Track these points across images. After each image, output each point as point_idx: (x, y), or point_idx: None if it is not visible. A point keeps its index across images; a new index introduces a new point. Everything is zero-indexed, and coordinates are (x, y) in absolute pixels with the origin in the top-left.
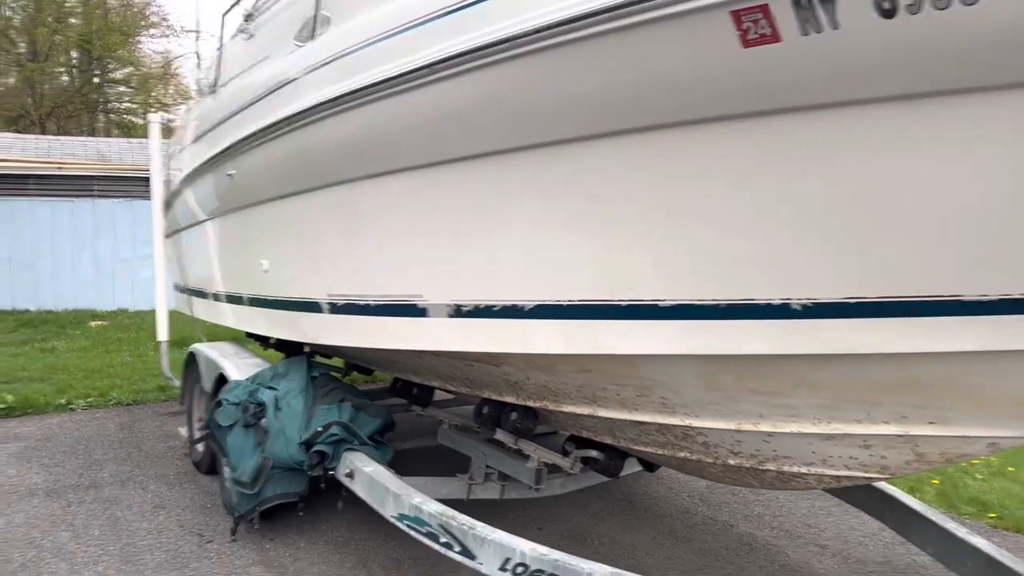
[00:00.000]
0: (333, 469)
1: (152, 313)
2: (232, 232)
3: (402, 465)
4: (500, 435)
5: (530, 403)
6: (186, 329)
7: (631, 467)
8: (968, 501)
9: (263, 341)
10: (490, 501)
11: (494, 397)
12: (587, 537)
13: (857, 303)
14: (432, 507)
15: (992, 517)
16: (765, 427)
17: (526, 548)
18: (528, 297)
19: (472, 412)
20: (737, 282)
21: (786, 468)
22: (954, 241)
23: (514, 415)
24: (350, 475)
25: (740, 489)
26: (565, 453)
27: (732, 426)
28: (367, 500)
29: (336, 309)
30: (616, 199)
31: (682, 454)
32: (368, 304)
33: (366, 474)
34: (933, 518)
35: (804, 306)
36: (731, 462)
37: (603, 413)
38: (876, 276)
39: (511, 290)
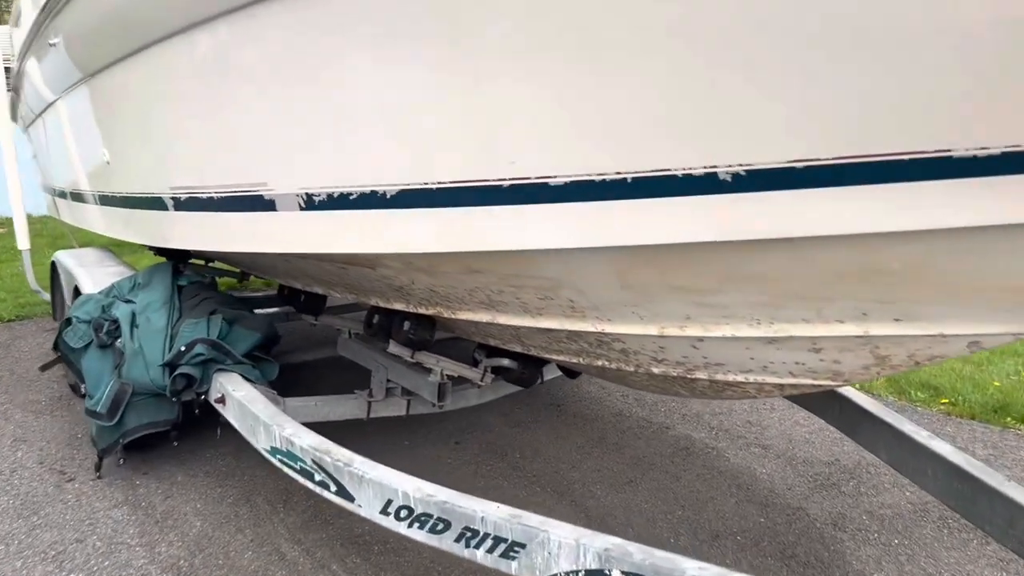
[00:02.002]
0: (205, 393)
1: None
2: (71, 117)
3: (303, 381)
4: (393, 348)
5: (422, 310)
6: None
7: (552, 371)
8: (919, 386)
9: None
10: (399, 416)
11: (382, 304)
12: (507, 450)
13: (807, 168)
14: (305, 440)
15: (944, 403)
16: (693, 331)
17: (409, 488)
18: (389, 180)
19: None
20: (647, 148)
21: (719, 376)
22: (944, 74)
23: (407, 324)
24: (221, 400)
25: None
26: (475, 363)
27: (654, 331)
28: (240, 430)
29: (179, 205)
30: (485, 37)
31: (599, 362)
32: (211, 197)
33: (236, 400)
34: (886, 419)
35: (736, 175)
36: (655, 370)
37: (504, 320)
38: (834, 129)
39: (369, 172)
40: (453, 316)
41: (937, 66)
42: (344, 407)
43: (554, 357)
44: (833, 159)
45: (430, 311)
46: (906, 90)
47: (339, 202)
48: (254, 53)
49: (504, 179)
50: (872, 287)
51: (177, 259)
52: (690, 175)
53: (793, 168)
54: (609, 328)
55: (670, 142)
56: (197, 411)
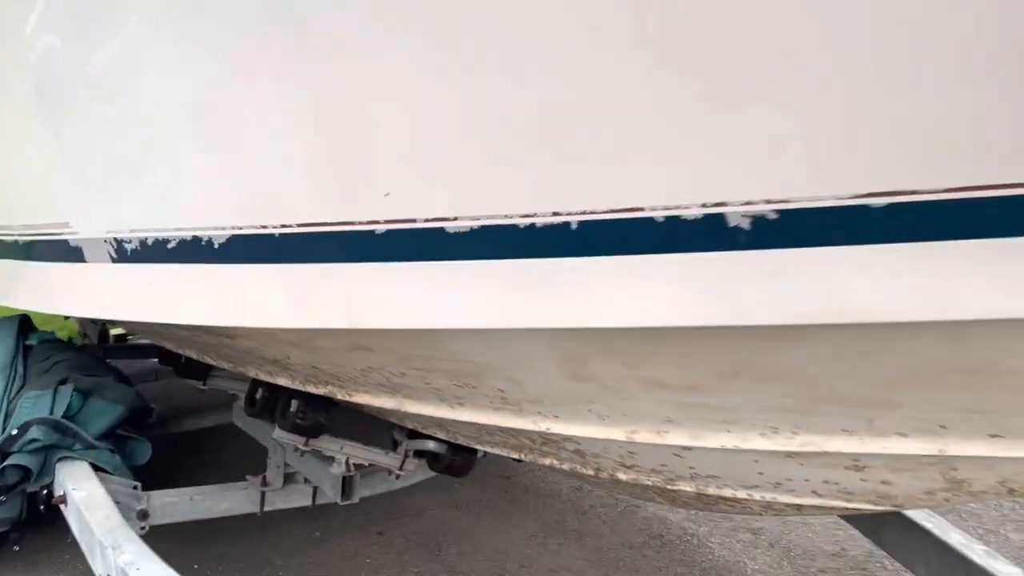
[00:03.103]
0: (49, 487)
1: None
2: None
3: (203, 449)
4: (280, 435)
5: (311, 389)
6: None
7: None
8: None
9: None
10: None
11: (264, 378)
12: (442, 542)
13: (891, 207)
14: (145, 572)
15: None
16: (676, 439)
17: None
18: (216, 222)
19: None
20: (607, 174)
21: (712, 491)
22: None
23: (295, 405)
24: (64, 500)
25: None
26: (394, 445)
27: (619, 436)
28: (80, 544)
29: None
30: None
31: (547, 460)
32: (16, 241)
33: (75, 502)
34: (924, 524)
35: (758, 220)
36: (622, 477)
37: (414, 409)
38: (949, 134)
39: (189, 210)
40: (349, 399)
41: None
42: (231, 500)
43: (488, 449)
44: (942, 192)
45: (321, 390)
46: None
47: (155, 251)
48: (33, 43)
49: (377, 222)
50: (965, 392)
51: None
52: (678, 218)
53: (865, 207)
54: (556, 428)
55: (645, 162)
56: (42, 508)
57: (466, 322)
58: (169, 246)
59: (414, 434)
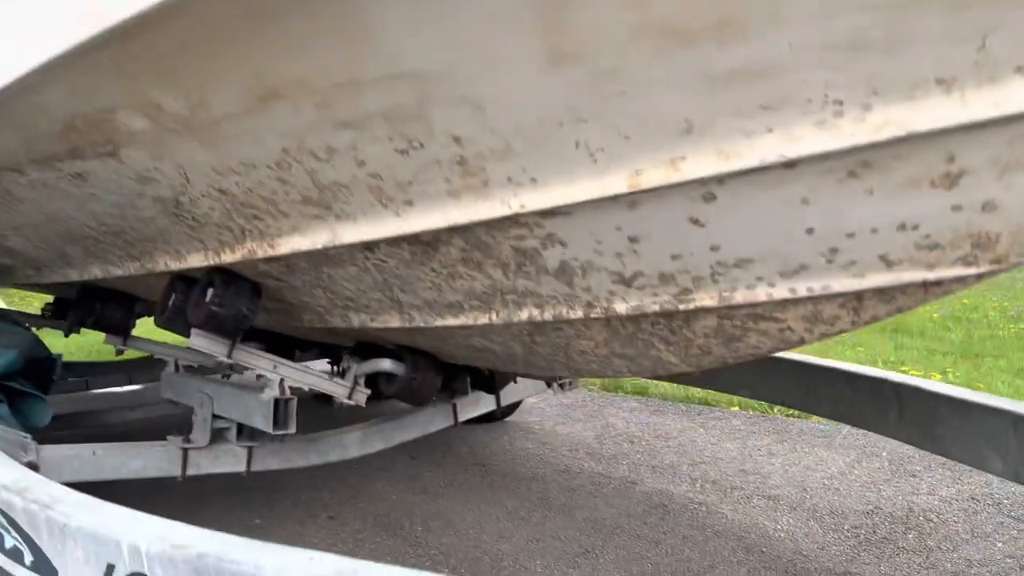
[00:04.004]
0: None
1: None
2: None
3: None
4: (197, 340)
5: (227, 257)
6: None
7: (467, 410)
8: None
9: None
10: (246, 481)
11: (175, 266)
12: (404, 521)
13: None
14: None
15: None
16: (697, 168)
17: (145, 538)
18: None
19: None
20: None
21: (740, 296)
22: None
23: (211, 293)
24: None
25: (640, 436)
26: (342, 373)
27: (619, 186)
28: None
29: None
30: None
31: (523, 314)
32: None
33: None
34: (997, 404)
35: None
36: (620, 308)
37: (351, 234)
38: None
39: None
40: (272, 251)
41: None
42: (144, 459)
43: (451, 322)
44: None
45: (238, 254)
46: None
47: None
48: None
49: None
50: None
51: None
52: None
53: None
54: (534, 200)
55: None
56: None
57: None
58: None
59: (368, 355)
